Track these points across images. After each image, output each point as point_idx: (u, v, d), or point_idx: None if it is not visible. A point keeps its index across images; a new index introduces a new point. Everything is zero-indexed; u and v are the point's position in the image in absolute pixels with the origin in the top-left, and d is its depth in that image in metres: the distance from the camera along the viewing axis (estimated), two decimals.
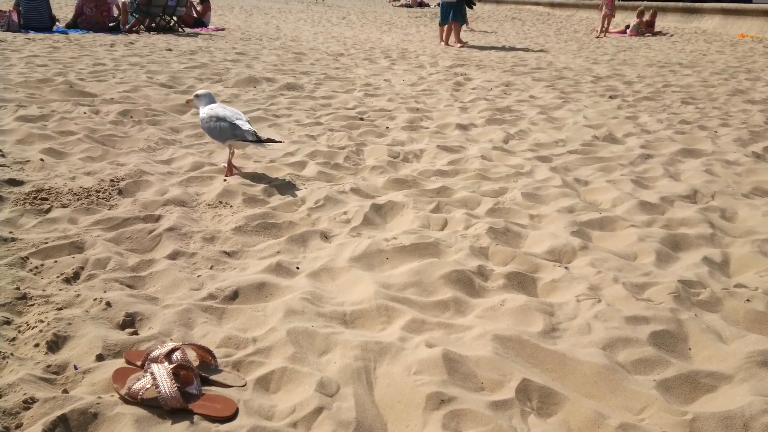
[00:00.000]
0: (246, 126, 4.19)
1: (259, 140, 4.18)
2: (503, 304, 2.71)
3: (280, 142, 4.91)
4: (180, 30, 14.96)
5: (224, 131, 4.20)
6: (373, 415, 2.04)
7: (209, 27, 16.29)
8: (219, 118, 4.22)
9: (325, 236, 3.51)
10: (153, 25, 14.51)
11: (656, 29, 19.21)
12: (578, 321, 2.59)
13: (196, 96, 4.45)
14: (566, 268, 3.09)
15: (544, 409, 2.10)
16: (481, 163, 4.84)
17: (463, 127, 6.05)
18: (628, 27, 18.74)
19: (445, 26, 14.31)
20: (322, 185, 4.25)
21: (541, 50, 13.54)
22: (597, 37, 17.59)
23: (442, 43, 14.42)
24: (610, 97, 7.87)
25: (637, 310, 2.65)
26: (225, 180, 4.18)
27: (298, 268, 3.10)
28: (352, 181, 4.37)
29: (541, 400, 2.12)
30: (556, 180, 4.42)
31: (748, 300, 2.78)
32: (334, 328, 2.54)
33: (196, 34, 14.55)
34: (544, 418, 2.06)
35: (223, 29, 16.34)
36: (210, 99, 4.44)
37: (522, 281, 2.98)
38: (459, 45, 14.09)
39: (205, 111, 4.32)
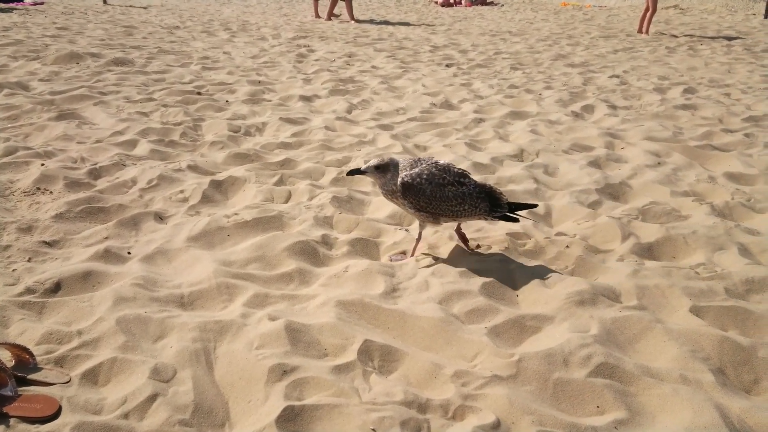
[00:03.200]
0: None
1: None
2: (347, 270, 2.74)
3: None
4: None
5: None
6: (213, 395, 1.98)
7: (25, 1, 14.68)
8: None
9: (160, 217, 3.33)
10: None
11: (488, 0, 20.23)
12: (417, 279, 2.68)
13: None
14: (406, 230, 3.17)
15: (386, 367, 2.15)
16: (325, 133, 4.83)
17: (306, 99, 5.99)
18: None
19: None
20: (156, 164, 4.02)
21: (384, 22, 13.72)
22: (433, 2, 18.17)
23: (321, 18, 13.77)
24: (447, 66, 8.18)
25: (470, 264, 2.79)
26: None
27: (129, 253, 2.92)
28: (190, 158, 4.17)
29: (382, 359, 2.17)
30: (397, 147, 4.52)
31: (567, 246, 3.03)
32: (171, 312, 2.42)
33: (10, 9, 13.07)
34: (385, 376, 2.11)
35: (41, 2, 14.82)
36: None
37: (365, 246, 3.02)
38: (353, 20, 13.42)
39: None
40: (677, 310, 2.53)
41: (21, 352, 2.03)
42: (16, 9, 13.17)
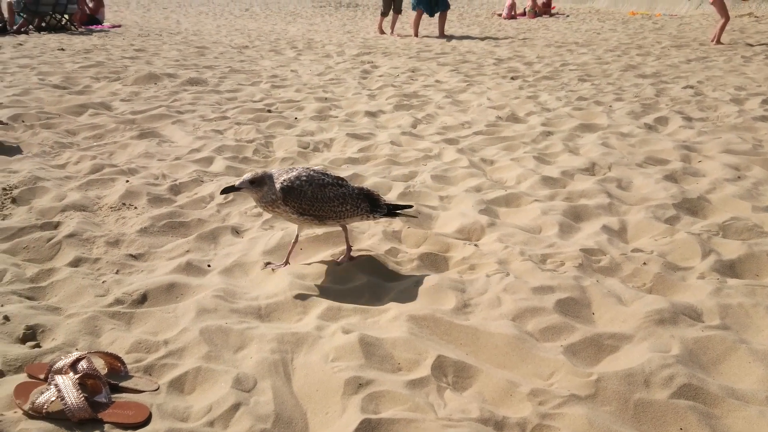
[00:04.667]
0: None
1: None
2: (417, 284, 2.76)
3: None
4: (72, 28, 14.18)
5: None
6: (291, 405, 2.04)
7: (104, 24, 15.52)
8: None
9: (237, 231, 3.45)
10: (43, 24, 13.67)
11: (553, 11, 19.97)
12: (488, 295, 2.68)
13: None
14: (475, 245, 3.17)
15: (459, 383, 2.16)
16: (391, 148, 4.89)
17: (371, 114, 6.08)
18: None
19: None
20: (231, 180, 4.17)
21: (445, 36, 13.77)
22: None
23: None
24: (512, 78, 8.13)
25: (543, 281, 2.76)
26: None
27: (209, 265, 3.04)
28: None
29: (456, 375, 2.18)
30: (463, 161, 4.53)
31: (644, 263, 2.96)
32: (249, 323, 2.50)
33: (90, 32, 13.84)
34: (460, 392, 2.12)
35: (119, 26, 15.62)
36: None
37: (435, 261, 3.04)
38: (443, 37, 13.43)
39: None
40: (762, 330, 2.44)
41: (113, 360, 2.15)
42: (95, 32, 13.92)
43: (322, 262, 3.00)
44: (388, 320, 2.49)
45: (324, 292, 2.75)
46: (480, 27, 16.38)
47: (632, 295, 2.67)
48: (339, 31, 15.23)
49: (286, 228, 3.40)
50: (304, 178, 2.76)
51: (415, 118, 5.89)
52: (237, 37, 13.26)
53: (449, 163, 4.54)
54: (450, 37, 13.46)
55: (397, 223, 3.40)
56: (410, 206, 3.09)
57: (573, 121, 5.70)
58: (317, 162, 4.58)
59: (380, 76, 8.36)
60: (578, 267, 2.92)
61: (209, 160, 4.62)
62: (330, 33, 14.72)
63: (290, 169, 2.83)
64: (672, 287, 2.77)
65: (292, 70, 8.77)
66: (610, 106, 6.33)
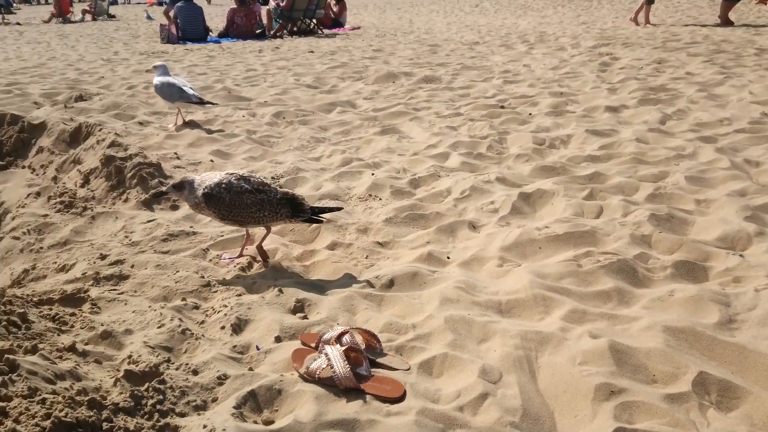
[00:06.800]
0: (191, 91, 5.61)
1: (201, 102, 5.60)
2: (672, 294, 2.57)
3: (216, 104, 6.23)
4: (319, 32, 15.61)
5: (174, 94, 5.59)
6: (538, 403, 2.03)
7: (346, 27, 16.83)
8: (170, 84, 5.56)
9: (473, 226, 3.52)
10: (295, 29, 15.26)
11: None
12: (758, 312, 2.39)
13: (154, 66, 5.83)
14: (741, 255, 2.86)
15: (724, 403, 1.97)
16: (637, 146, 4.60)
17: (613, 110, 5.77)
18: None
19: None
20: (467, 175, 4.26)
21: (695, 24, 12.51)
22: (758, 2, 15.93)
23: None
24: None
25: None
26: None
27: (448, 257, 3.14)
28: (497, 171, 4.33)
29: (720, 394, 2.00)
30: (723, 162, 4.09)
31: None
32: (491, 317, 2.54)
33: (334, 35, 15.10)
34: (725, 413, 1.94)
35: (358, 27, 16.80)
36: (164, 70, 5.73)
37: (691, 270, 2.80)
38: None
39: (158, 79, 5.67)
40: None
41: (370, 337, 2.33)
42: (338, 34, 15.14)
43: (564, 261, 2.93)
44: (640, 329, 2.35)
45: (566, 293, 2.69)
46: (736, 14, 14.60)
47: None
48: (573, 22, 14.69)
49: (524, 226, 3.38)
50: (224, 185, 2.90)
51: (663, 113, 5.46)
52: (467, 34, 13.47)
53: (706, 163, 4.13)
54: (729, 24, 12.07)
55: (646, 226, 3.19)
56: (339, 209, 3.27)
57: None
58: (554, 159, 4.48)
59: (621, 68, 7.89)
60: None
61: (445, 156, 4.77)
62: (563, 25, 14.26)
63: (216, 175, 2.96)
64: None
65: (524, 65, 8.67)
66: None
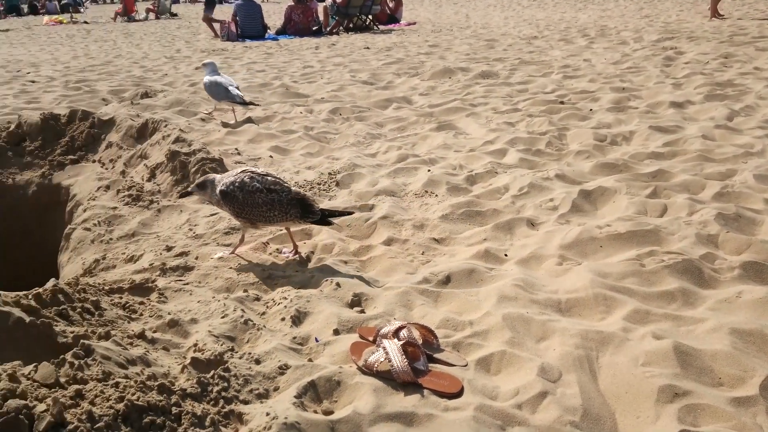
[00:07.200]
0: (236, 92, 5.82)
1: (244, 103, 5.86)
2: (740, 295, 2.49)
3: (258, 105, 6.48)
4: (375, 28, 15.67)
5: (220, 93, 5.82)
6: (599, 403, 2.01)
7: (401, 22, 16.84)
8: (217, 84, 5.80)
9: (532, 223, 3.48)
10: (351, 25, 15.37)
11: None
12: None
13: (203, 64, 6.08)
14: None
15: None
16: (703, 143, 4.45)
17: (678, 105, 5.59)
18: None
19: None
20: (525, 172, 4.21)
21: (762, 18, 11.97)
22: None
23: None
24: None
25: None
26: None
27: (506, 255, 3.12)
28: (557, 167, 4.27)
29: None
30: None
31: None
32: (550, 316, 2.52)
33: (390, 31, 15.13)
34: None
35: (414, 23, 16.78)
36: (213, 68, 5.97)
37: (760, 271, 2.70)
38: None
39: (207, 78, 5.92)
40: None
41: (427, 333, 2.35)
42: (394, 30, 15.16)
43: (626, 260, 2.87)
44: (706, 331, 2.29)
45: (628, 293, 2.63)
46: None
47: None
48: (635, 15, 14.27)
49: (584, 224, 3.33)
50: (237, 184, 2.97)
51: (731, 109, 5.26)
52: (525, 28, 13.28)
53: None
54: None
55: (713, 226, 3.09)
56: (351, 212, 3.26)
57: None
58: (616, 156, 4.38)
59: (686, 63, 7.63)
60: None
61: (502, 152, 4.73)
62: (625, 18, 13.87)
63: (234, 173, 3.01)
64: None
65: (584, 60, 8.49)
66: None
